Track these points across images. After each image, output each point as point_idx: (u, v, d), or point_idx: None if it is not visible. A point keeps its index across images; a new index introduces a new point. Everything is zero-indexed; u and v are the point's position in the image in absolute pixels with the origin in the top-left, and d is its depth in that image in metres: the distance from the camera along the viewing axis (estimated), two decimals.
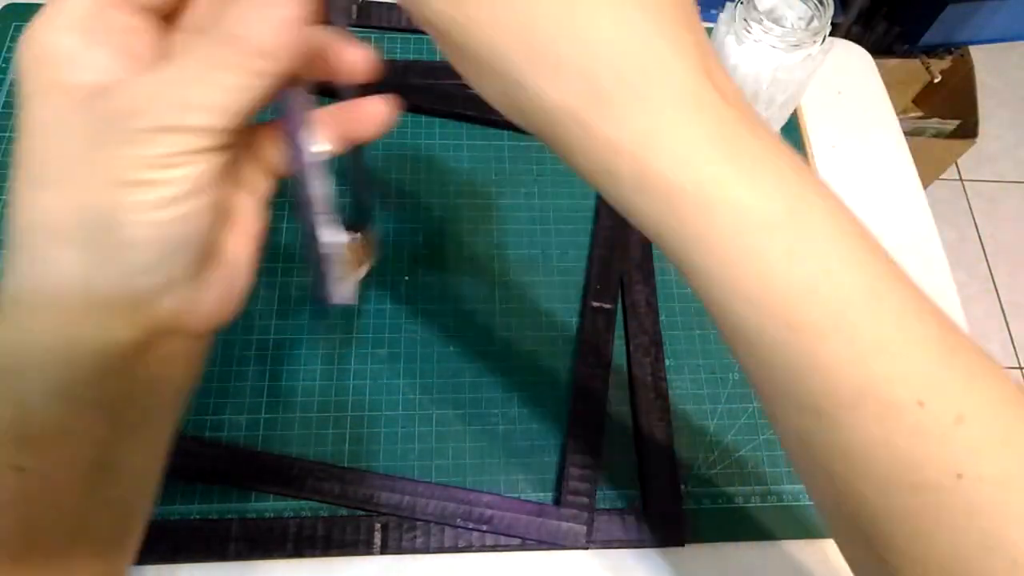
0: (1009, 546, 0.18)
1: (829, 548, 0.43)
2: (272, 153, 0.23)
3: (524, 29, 0.17)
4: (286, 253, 0.48)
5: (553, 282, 0.48)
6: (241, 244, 0.22)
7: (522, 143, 0.52)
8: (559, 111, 0.18)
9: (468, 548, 0.40)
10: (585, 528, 0.41)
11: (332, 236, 0.25)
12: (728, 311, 0.19)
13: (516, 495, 0.42)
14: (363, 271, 0.27)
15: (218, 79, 0.18)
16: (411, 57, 0.56)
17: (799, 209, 0.18)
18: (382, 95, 0.25)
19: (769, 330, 0.19)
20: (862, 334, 0.19)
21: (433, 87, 0.53)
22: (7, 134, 0.50)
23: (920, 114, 1.23)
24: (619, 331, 0.47)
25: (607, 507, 0.42)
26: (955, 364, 0.20)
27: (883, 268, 0.20)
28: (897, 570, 0.20)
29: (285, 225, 0.48)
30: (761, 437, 0.45)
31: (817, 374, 0.19)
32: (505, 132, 0.52)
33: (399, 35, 0.57)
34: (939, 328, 0.20)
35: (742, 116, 0.18)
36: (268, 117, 0.23)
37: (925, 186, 0.78)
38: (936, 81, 1.18)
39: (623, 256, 0.49)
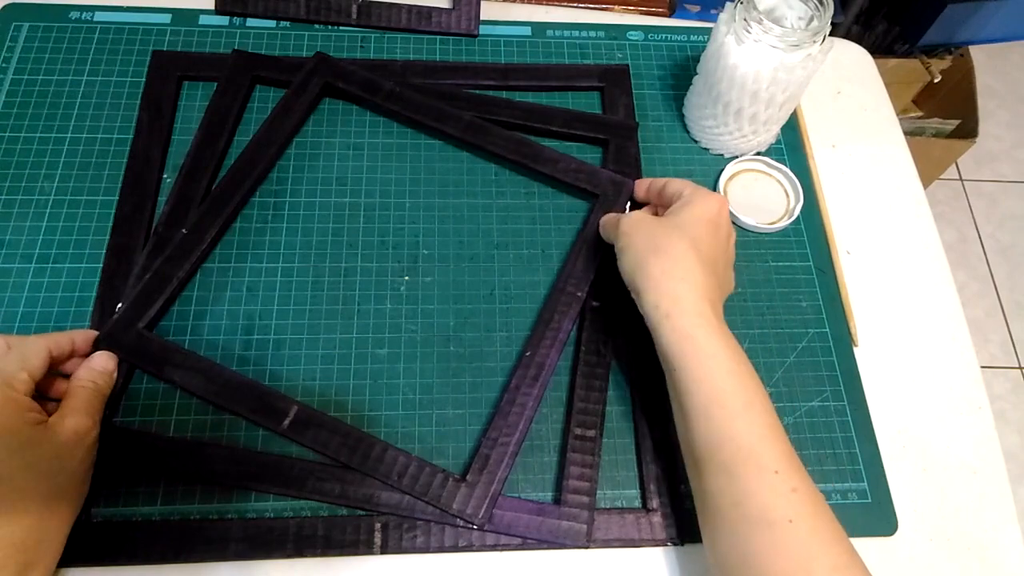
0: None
1: None
2: None
3: (635, 270, 0.41)
4: (286, 253, 0.48)
5: (553, 282, 0.48)
6: None
7: None
8: (636, 295, 0.41)
9: (468, 548, 0.40)
10: (585, 527, 0.41)
11: None
12: (687, 392, 0.38)
13: (516, 494, 0.42)
14: None
15: None
16: (411, 57, 0.56)
17: (729, 354, 0.38)
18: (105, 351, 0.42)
19: (706, 407, 0.37)
20: (753, 425, 0.36)
21: (432, 87, 0.53)
22: (7, 134, 0.50)
23: (920, 114, 1.23)
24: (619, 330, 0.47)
25: (607, 507, 0.42)
26: (793, 457, 0.36)
27: (757, 388, 0.38)
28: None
29: (285, 225, 0.48)
30: None
31: (729, 441, 0.36)
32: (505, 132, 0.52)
33: (399, 35, 0.57)
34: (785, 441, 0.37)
35: (715, 316, 0.38)
36: None
37: (925, 186, 0.78)
38: (936, 81, 1.17)
39: None
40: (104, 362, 0.41)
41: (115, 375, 0.41)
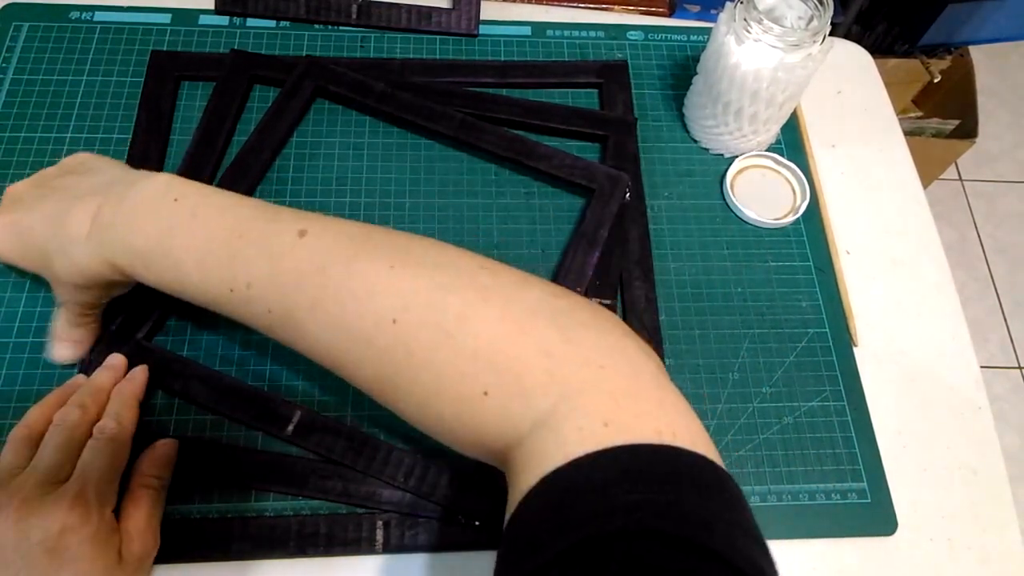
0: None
1: (829, 548, 0.43)
2: None
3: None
4: None
5: (551, 279, 0.48)
6: None
7: None
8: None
9: (471, 545, 0.40)
10: None
11: None
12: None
13: None
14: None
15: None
16: (411, 56, 0.56)
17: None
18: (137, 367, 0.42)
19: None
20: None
21: (431, 85, 0.53)
22: (7, 134, 0.50)
23: (920, 114, 1.23)
24: None
25: None
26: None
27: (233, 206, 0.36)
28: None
29: None
30: (761, 437, 0.45)
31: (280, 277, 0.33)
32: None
33: (399, 35, 0.57)
34: None
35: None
36: None
37: (925, 186, 0.78)
38: (936, 81, 1.17)
39: (622, 253, 0.49)
40: (169, 451, 0.39)
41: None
